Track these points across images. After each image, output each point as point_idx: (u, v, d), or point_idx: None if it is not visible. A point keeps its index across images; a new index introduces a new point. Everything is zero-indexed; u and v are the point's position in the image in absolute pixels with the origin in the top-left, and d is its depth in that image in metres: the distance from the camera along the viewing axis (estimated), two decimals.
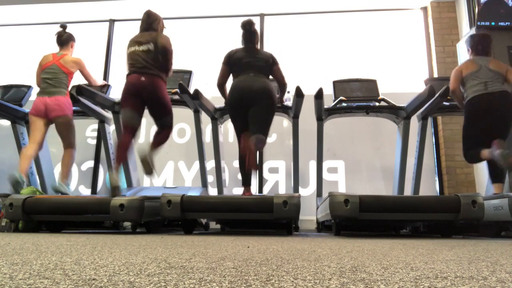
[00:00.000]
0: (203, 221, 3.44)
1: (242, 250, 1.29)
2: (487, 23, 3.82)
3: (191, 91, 3.17)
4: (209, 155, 3.68)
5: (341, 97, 3.54)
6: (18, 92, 3.81)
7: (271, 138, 4.46)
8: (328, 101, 3.49)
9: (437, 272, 0.84)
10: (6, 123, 3.99)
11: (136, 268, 0.85)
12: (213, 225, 3.73)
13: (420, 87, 3.50)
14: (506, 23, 3.86)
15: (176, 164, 4.55)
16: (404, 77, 4.54)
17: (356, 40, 4.77)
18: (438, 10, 4.58)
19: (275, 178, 4.41)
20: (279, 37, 4.86)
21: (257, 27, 3.09)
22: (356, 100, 3.55)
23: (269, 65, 2.97)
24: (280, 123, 4.44)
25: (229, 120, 3.13)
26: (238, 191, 2.93)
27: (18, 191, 3.00)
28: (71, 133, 3.34)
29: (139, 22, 3.19)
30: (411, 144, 3.44)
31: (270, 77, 3.04)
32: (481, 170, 3.91)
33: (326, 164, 4.16)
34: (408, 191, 3.53)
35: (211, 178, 4.03)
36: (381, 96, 3.56)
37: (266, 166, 4.41)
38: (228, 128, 4.39)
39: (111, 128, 3.83)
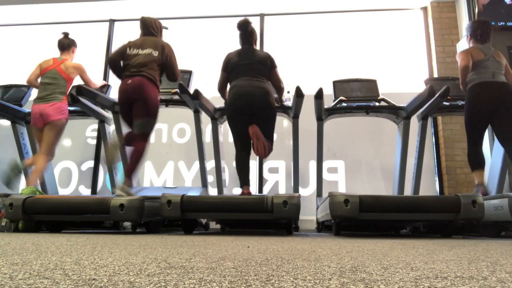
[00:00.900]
0: (203, 221, 3.44)
1: (242, 250, 1.29)
2: None
3: (191, 91, 3.17)
4: (209, 155, 3.68)
5: (341, 97, 3.54)
6: (18, 92, 3.81)
7: None
8: (328, 101, 3.49)
9: (437, 272, 0.84)
10: (6, 123, 3.99)
11: (136, 268, 0.85)
12: (213, 225, 3.73)
13: (420, 87, 3.50)
14: (506, 23, 3.87)
15: (176, 164, 4.55)
16: (404, 77, 4.54)
17: (356, 40, 4.77)
18: (438, 10, 4.58)
19: (275, 178, 4.41)
20: (279, 37, 4.86)
21: (254, 25, 3.07)
22: (356, 100, 3.55)
23: (267, 67, 2.96)
24: (280, 123, 4.44)
25: None
26: (238, 191, 2.92)
27: (11, 181, 3.00)
28: (56, 138, 3.31)
29: (139, 24, 3.19)
30: (411, 144, 3.44)
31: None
32: None
33: (326, 164, 4.16)
34: (408, 191, 3.53)
35: (211, 178, 4.03)
36: (381, 96, 3.56)
37: (266, 166, 4.41)
38: (228, 128, 4.38)
39: (111, 128, 3.84)
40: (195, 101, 3.17)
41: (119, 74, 3.05)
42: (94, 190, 4.52)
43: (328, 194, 2.52)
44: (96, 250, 1.26)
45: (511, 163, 3.15)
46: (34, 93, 3.75)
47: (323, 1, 4.75)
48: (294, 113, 3.30)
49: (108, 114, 3.72)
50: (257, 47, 3.13)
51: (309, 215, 3.85)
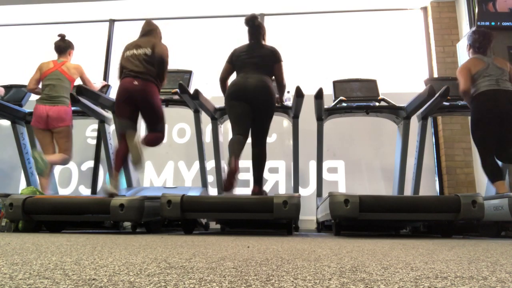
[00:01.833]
0: (203, 221, 3.44)
1: (242, 250, 1.29)
2: (487, 23, 3.82)
3: (191, 91, 3.17)
4: (209, 155, 3.68)
5: (341, 97, 3.54)
6: (18, 92, 3.81)
7: (271, 138, 4.46)
8: (328, 101, 3.49)
9: (437, 272, 0.84)
10: (6, 123, 3.99)
11: (136, 268, 0.85)
12: (213, 225, 3.73)
13: (420, 87, 3.50)
14: (506, 23, 3.86)
15: (176, 164, 4.55)
16: (404, 77, 4.54)
17: (356, 40, 4.77)
18: (438, 10, 4.58)
19: (275, 178, 4.41)
20: (279, 37, 4.85)
21: (260, 20, 3.06)
22: (356, 100, 3.55)
23: (270, 61, 2.92)
24: (280, 123, 4.44)
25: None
26: (238, 191, 2.92)
27: (40, 163, 3.02)
28: (69, 142, 3.38)
29: (139, 23, 3.19)
30: (411, 144, 3.44)
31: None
32: (481, 170, 3.91)
33: (326, 164, 4.16)
34: (408, 191, 3.53)
35: (211, 178, 4.03)
36: (381, 96, 3.56)
37: (266, 166, 4.40)
38: (228, 128, 4.38)
39: (111, 128, 3.84)
40: (195, 101, 3.17)
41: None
42: (94, 190, 4.52)
43: (328, 194, 2.52)
44: (96, 250, 1.26)
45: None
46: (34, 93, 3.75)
47: (323, 1, 4.75)
48: (294, 113, 3.30)
49: (108, 114, 3.72)
50: (266, 41, 3.07)
51: (309, 215, 3.85)
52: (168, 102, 3.49)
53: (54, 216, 2.68)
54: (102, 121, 3.71)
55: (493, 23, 3.75)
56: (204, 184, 3.62)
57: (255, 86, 2.80)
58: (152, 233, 2.67)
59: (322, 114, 3.36)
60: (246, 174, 3.91)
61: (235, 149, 2.71)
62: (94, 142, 4.67)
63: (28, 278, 0.70)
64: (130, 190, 3.49)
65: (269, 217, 2.46)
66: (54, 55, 3.56)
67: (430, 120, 4.21)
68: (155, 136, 3.06)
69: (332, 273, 0.80)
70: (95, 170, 4.58)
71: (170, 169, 4.54)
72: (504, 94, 2.91)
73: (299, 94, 2.96)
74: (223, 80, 3.05)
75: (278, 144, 4.46)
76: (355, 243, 1.74)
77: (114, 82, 3.75)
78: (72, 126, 3.46)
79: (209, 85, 4.15)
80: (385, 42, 4.72)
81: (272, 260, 1.02)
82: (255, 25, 2.98)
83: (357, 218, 2.37)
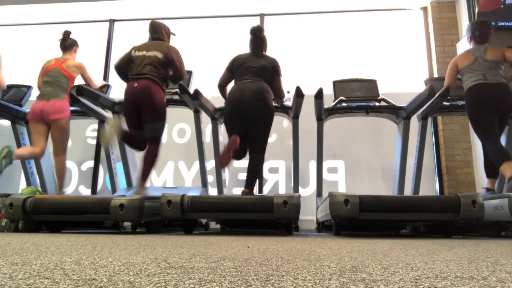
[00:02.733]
0: (203, 221, 3.44)
1: (242, 250, 1.29)
2: None
3: (191, 91, 3.17)
4: (209, 155, 3.68)
5: (341, 97, 3.54)
6: (18, 92, 3.81)
7: (271, 138, 4.46)
8: (328, 101, 3.49)
9: (437, 272, 0.84)
10: (6, 123, 3.99)
11: (136, 268, 0.85)
12: (213, 225, 3.73)
13: (420, 87, 3.50)
14: (506, 23, 3.86)
15: (176, 164, 4.55)
16: (404, 77, 4.54)
17: (356, 40, 4.77)
18: (438, 10, 4.58)
19: (275, 178, 4.41)
20: (279, 37, 4.85)
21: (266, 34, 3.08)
22: (356, 100, 3.55)
23: (271, 73, 2.95)
24: (280, 123, 4.44)
25: None
26: (238, 191, 2.92)
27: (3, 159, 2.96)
28: (65, 137, 3.32)
29: (139, 23, 3.19)
30: (411, 144, 3.44)
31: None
32: (481, 170, 3.90)
33: (326, 164, 4.16)
34: (408, 191, 3.53)
35: (211, 178, 4.03)
36: (381, 96, 3.56)
37: (266, 166, 4.41)
38: None
39: None
40: (195, 101, 3.17)
41: (126, 79, 3.08)
42: (94, 190, 4.52)
43: (328, 194, 2.52)
44: (96, 250, 1.26)
45: None
46: (34, 93, 3.75)
47: (323, 1, 4.75)
48: (294, 113, 3.30)
49: (108, 114, 3.72)
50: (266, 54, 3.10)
51: (309, 215, 3.85)
52: (168, 102, 3.49)
53: (54, 216, 2.68)
54: (102, 121, 3.71)
55: (493, 23, 3.75)
56: (204, 184, 3.62)
57: (251, 99, 2.79)
58: (152, 233, 2.67)
59: (322, 114, 3.36)
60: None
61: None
62: (94, 142, 4.67)
63: (28, 278, 0.70)
64: (130, 190, 3.49)
65: (269, 217, 2.46)
66: (55, 55, 3.56)
67: (430, 120, 4.21)
68: (151, 151, 2.97)
69: (332, 273, 0.80)
70: (95, 170, 4.58)
71: (170, 169, 4.54)
72: (490, 86, 2.92)
73: (299, 94, 2.96)
74: (222, 87, 3.07)
75: (278, 144, 4.46)
76: (355, 243, 1.74)
77: (114, 82, 3.76)
78: (70, 120, 3.41)
79: (209, 85, 4.14)
80: (385, 42, 4.72)
81: (272, 260, 1.02)
82: (260, 37, 3.01)
83: (357, 218, 2.37)
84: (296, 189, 3.42)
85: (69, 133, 3.37)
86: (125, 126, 2.99)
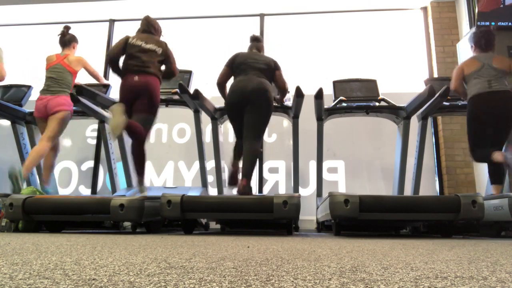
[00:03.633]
0: (203, 221, 3.44)
1: (242, 250, 1.29)
2: (487, 23, 3.82)
3: (191, 91, 3.17)
4: (209, 155, 3.68)
5: (341, 97, 3.54)
6: (18, 92, 3.81)
7: (271, 138, 4.46)
8: (328, 101, 3.49)
9: (437, 272, 0.84)
10: (6, 123, 3.99)
11: (136, 268, 0.85)
12: (213, 225, 3.73)
13: (420, 87, 3.50)
14: (506, 23, 3.86)
15: (176, 164, 4.55)
16: (404, 77, 4.54)
17: (356, 40, 4.77)
18: (438, 10, 4.58)
19: (275, 178, 4.41)
20: (279, 37, 4.86)
21: (256, 33, 3.15)
22: (356, 100, 3.55)
23: (271, 69, 2.98)
24: (280, 123, 4.44)
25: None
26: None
27: (15, 186, 2.98)
28: (59, 128, 3.28)
29: (139, 23, 3.19)
30: (411, 144, 3.44)
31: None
32: (481, 170, 3.91)
33: (326, 164, 4.16)
34: (408, 191, 3.53)
35: (211, 178, 4.03)
36: (381, 96, 3.56)
37: (266, 166, 4.41)
38: (228, 128, 4.39)
39: None
40: (195, 101, 3.17)
41: (119, 72, 3.05)
42: (94, 190, 4.52)
43: (328, 194, 2.52)
44: (96, 250, 1.26)
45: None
46: (34, 93, 3.75)
47: (323, 1, 4.75)
48: (294, 113, 3.30)
49: (108, 114, 3.72)
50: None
51: (309, 215, 3.85)
52: (168, 102, 3.49)
53: (54, 216, 2.68)
54: (102, 121, 3.71)
55: (493, 23, 3.74)
56: (204, 184, 3.62)
57: (252, 88, 2.82)
58: (152, 233, 2.67)
59: (322, 114, 3.36)
60: None
61: (236, 154, 2.96)
62: (94, 142, 4.67)
63: (28, 278, 0.70)
64: (130, 190, 3.49)
65: (269, 217, 2.46)
66: (56, 52, 3.57)
67: (430, 120, 4.21)
68: (135, 148, 2.92)
69: (332, 273, 0.80)
70: (95, 170, 4.58)
71: (170, 169, 4.54)
72: (495, 95, 2.91)
73: (299, 94, 2.96)
74: (221, 84, 3.06)
75: (278, 144, 4.46)
76: (355, 243, 1.74)
77: (114, 82, 3.75)
78: (71, 115, 3.40)
79: (209, 85, 4.14)
80: (385, 42, 4.72)
81: (272, 260, 1.02)
82: (258, 43, 3.16)
83: (357, 218, 2.37)
84: (296, 189, 3.42)
85: (64, 128, 3.34)
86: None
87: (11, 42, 5.27)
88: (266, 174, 4.41)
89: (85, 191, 4.55)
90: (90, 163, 4.63)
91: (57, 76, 3.37)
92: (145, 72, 2.94)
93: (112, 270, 0.80)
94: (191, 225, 2.79)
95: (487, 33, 3.12)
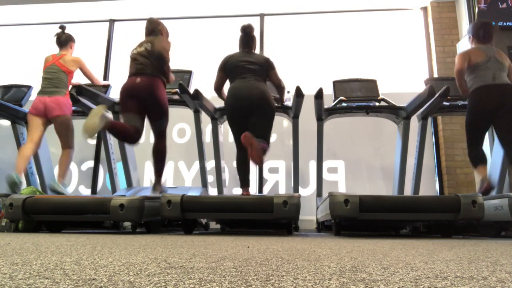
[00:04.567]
0: (203, 221, 3.44)
1: (242, 250, 1.29)
2: None
3: (191, 91, 3.17)
4: (209, 155, 3.68)
5: (341, 97, 3.54)
6: (18, 92, 3.81)
7: (271, 138, 4.44)
8: (328, 101, 3.49)
9: (437, 272, 0.84)
10: (6, 123, 3.99)
11: (136, 268, 0.85)
12: (213, 225, 3.73)
13: (420, 87, 3.50)
14: (506, 23, 3.86)
15: (176, 164, 4.55)
16: (404, 77, 4.54)
17: (356, 40, 4.77)
18: (438, 10, 4.58)
19: (275, 178, 4.41)
20: (279, 37, 4.86)
21: (256, 32, 3.11)
22: (356, 100, 3.55)
23: (265, 69, 2.96)
24: (280, 123, 4.44)
25: None
26: (238, 191, 2.92)
27: (16, 192, 3.01)
28: (70, 133, 3.34)
29: (139, 23, 3.20)
30: (411, 144, 3.44)
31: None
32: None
33: (326, 164, 4.16)
34: (408, 191, 3.53)
35: (211, 178, 4.03)
36: (381, 96, 3.56)
37: (266, 166, 4.40)
38: (228, 128, 4.38)
39: None
40: (195, 101, 3.17)
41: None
42: (94, 190, 4.52)
43: (328, 194, 2.52)
44: (96, 250, 1.26)
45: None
46: (34, 93, 3.75)
47: (323, 1, 4.75)
48: (294, 113, 3.30)
49: (108, 114, 3.71)
50: (256, 51, 3.13)
51: (309, 215, 3.85)
52: (168, 102, 3.49)
53: (54, 216, 2.68)
54: None
55: (493, 23, 3.75)
56: (204, 184, 3.62)
57: (252, 93, 2.81)
58: (152, 233, 2.67)
59: (322, 114, 3.36)
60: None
61: (243, 174, 2.90)
62: (94, 142, 4.67)
63: (28, 278, 0.70)
64: (130, 190, 3.49)
65: (269, 217, 2.46)
66: (53, 53, 3.56)
67: (430, 120, 4.21)
68: (158, 146, 3.06)
69: (332, 273, 0.80)
70: (95, 170, 4.58)
71: (170, 169, 4.54)
72: (499, 87, 2.91)
73: (299, 94, 2.96)
74: (218, 89, 3.07)
75: (278, 144, 4.46)
76: (355, 243, 1.74)
77: (114, 82, 3.75)
78: (72, 116, 3.43)
79: (209, 85, 4.14)
80: (385, 42, 4.72)
81: (272, 260, 1.02)
82: (250, 35, 3.04)
83: (357, 218, 2.37)
84: (296, 189, 3.42)
85: (73, 128, 3.39)
86: (110, 116, 2.74)
87: (11, 42, 5.28)
88: (266, 174, 4.41)
89: (85, 191, 4.55)
90: (90, 163, 4.63)
91: (52, 76, 3.37)
92: (146, 75, 2.95)
93: (112, 270, 0.80)
94: (191, 225, 2.79)
95: (485, 25, 3.11)
